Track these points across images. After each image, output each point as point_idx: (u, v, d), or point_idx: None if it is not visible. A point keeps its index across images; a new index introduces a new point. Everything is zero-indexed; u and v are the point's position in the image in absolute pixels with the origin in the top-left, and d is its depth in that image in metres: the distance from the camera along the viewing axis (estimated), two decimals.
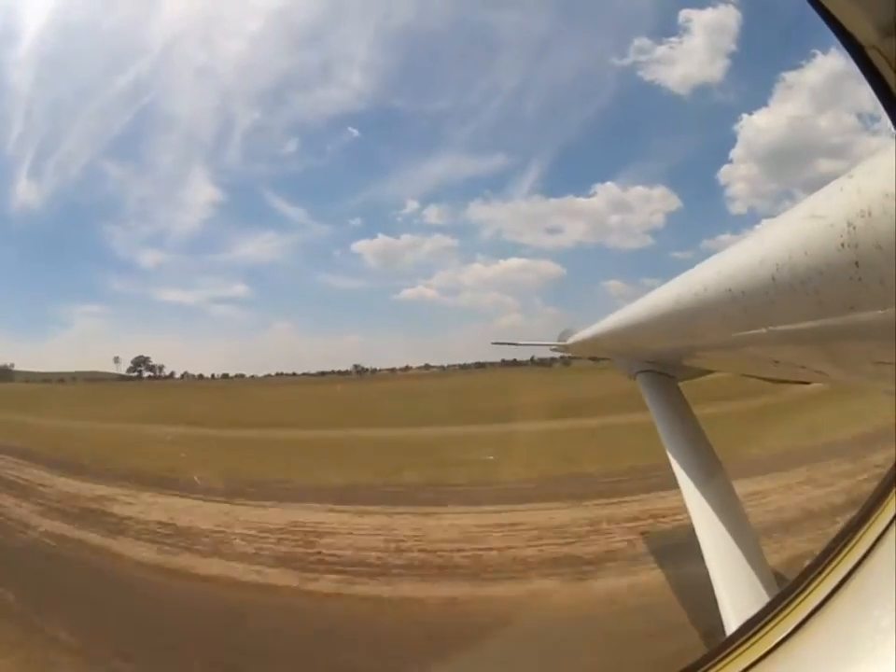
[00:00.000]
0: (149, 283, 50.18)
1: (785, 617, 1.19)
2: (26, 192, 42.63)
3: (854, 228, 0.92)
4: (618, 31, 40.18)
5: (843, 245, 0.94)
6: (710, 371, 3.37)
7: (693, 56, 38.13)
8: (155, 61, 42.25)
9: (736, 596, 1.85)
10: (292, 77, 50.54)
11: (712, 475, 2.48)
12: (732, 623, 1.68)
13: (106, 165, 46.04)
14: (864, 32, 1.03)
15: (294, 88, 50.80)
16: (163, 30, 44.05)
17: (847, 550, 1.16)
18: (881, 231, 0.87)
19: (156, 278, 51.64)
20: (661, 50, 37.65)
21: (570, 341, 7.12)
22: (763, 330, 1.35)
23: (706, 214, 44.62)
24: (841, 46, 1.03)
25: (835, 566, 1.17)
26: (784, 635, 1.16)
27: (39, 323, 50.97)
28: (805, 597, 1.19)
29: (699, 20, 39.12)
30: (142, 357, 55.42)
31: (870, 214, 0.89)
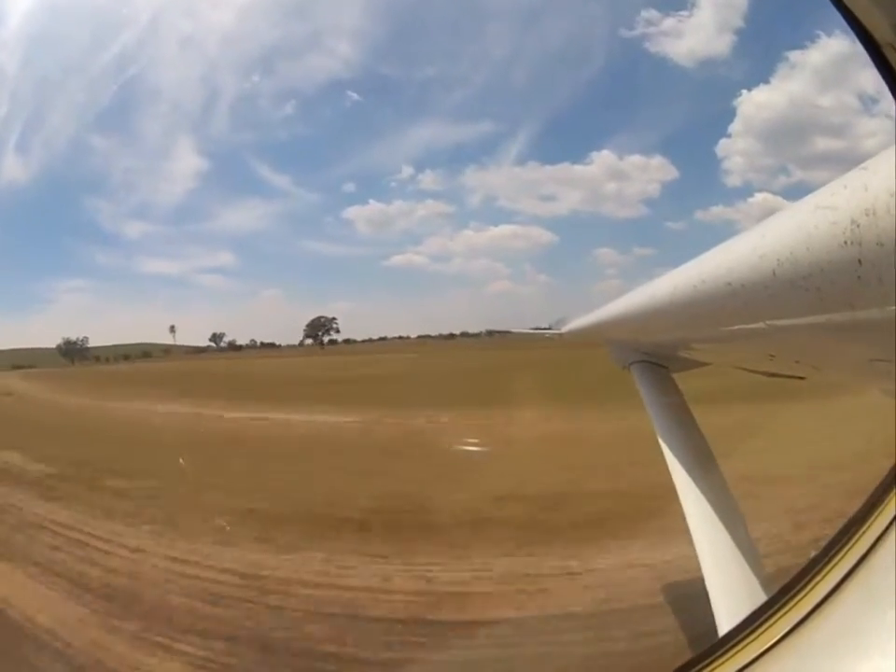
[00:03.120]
0: (135, 254, 49.73)
1: (787, 612, 1.20)
2: (13, 169, 41.72)
3: (858, 226, 0.90)
4: (627, 2, 39.39)
5: (846, 242, 0.93)
6: (705, 363, 3.38)
7: (701, 30, 37.69)
8: (141, 32, 40.89)
9: (731, 591, 1.86)
10: (280, 45, 48.98)
11: (706, 468, 2.49)
12: (725, 619, 1.69)
13: (92, 138, 45.34)
14: (882, 30, 1.01)
15: (282, 55, 49.56)
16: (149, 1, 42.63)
17: (848, 547, 1.17)
18: (884, 228, 0.85)
19: (142, 250, 50.55)
20: (669, 23, 37.22)
21: (565, 329, 7.15)
22: (762, 325, 1.34)
23: (701, 185, 44.45)
24: (857, 41, 1.01)
25: (837, 562, 1.18)
26: (787, 630, 1.17)
27: (26, 300, 50.36)
28: (807, 593, 1.20)
29: None
30: (322, 318, 45.33)
31: (874, 212, 0.87)
